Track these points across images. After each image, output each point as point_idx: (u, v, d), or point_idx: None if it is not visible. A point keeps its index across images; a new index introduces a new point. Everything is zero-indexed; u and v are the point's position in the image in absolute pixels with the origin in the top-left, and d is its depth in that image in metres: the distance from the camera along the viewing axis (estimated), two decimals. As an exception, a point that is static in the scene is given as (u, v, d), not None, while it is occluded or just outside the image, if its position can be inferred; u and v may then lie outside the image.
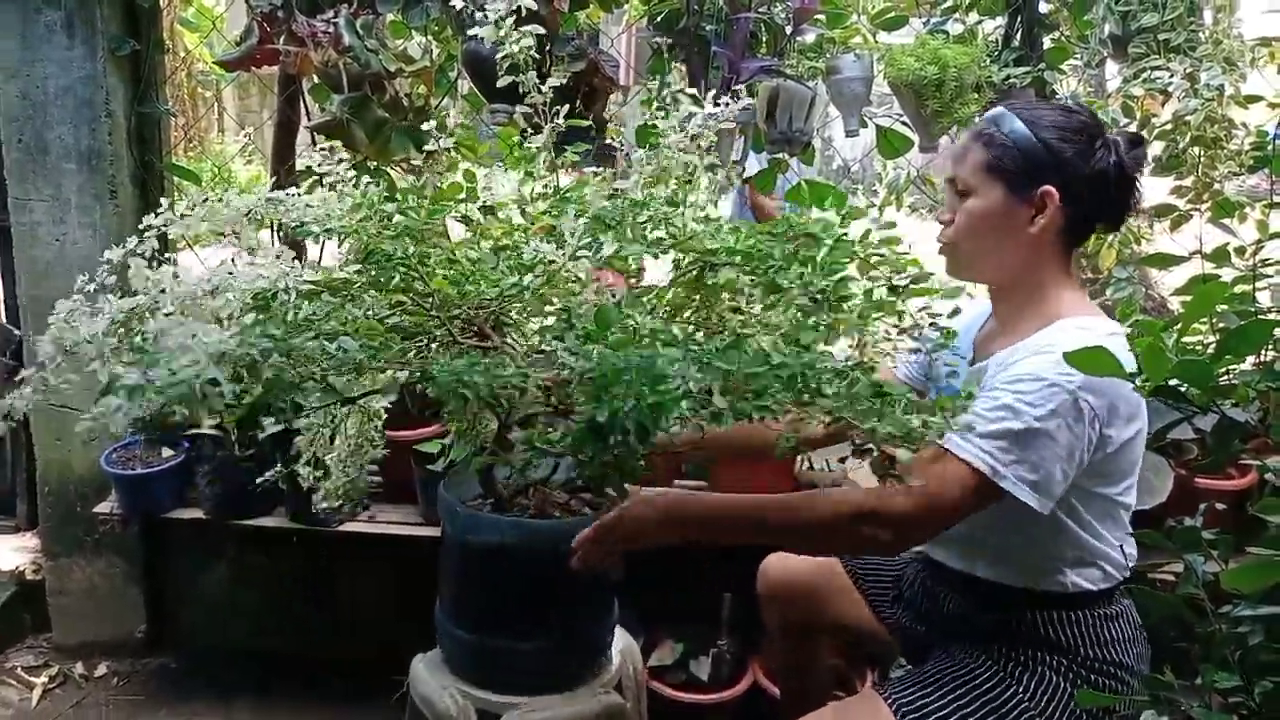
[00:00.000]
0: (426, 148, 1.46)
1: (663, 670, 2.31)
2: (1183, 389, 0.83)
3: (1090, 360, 0.84)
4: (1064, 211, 1.36)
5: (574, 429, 1.07)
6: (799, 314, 1.22)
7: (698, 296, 1.40)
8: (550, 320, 1.33)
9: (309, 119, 2.46)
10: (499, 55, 1.45)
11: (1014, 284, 1.44)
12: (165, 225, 1.13)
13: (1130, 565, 1.43)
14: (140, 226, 1.16)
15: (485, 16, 1.41)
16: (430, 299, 1.24)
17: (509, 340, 1.38)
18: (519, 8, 1.41)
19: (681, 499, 1.51)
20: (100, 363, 0.96)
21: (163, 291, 0.96)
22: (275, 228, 2.08)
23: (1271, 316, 1.97)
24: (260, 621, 2.63)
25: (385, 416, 2.29)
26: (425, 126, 1.49)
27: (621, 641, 1.75)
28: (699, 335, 1.33)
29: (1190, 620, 0.95)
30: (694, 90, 1.54)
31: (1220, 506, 1.99)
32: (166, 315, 0.96)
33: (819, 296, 1.21)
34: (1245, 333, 0.80)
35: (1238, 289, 2.17)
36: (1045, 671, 1.41)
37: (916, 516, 1.28)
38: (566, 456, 1.29)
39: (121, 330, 0.98)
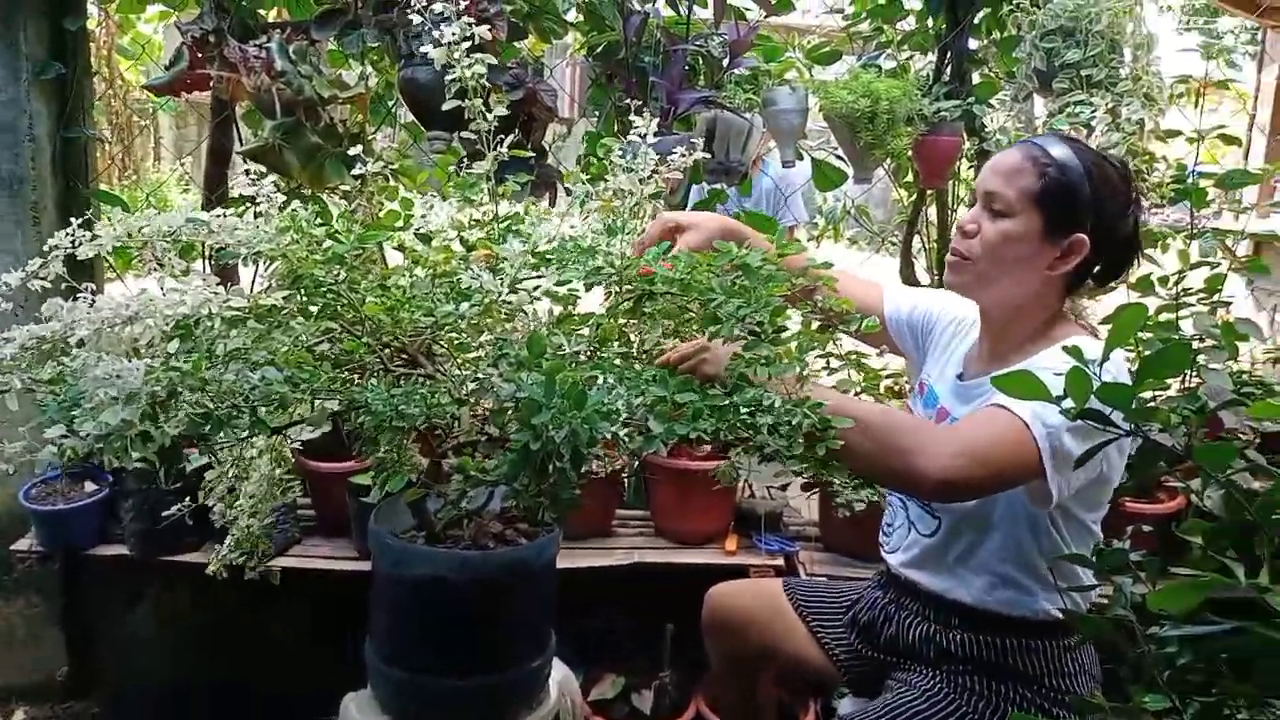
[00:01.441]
0: (355, 172, 1.43)
1: (604, 704, 2.28)
2: (1108, 413, 0.84)
3: (1018, 383, 0.85)
4: (1084, 261, 1.37)
5: (508, 456, 1.06)
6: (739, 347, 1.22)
7: (634, 323, 1.40)
8: (485, 348, 1.31)
9: (242, 145, 2.42)
10: (448, 78, 1.44)
11: (1013, 314, 1.43)
12: (74, 244, 1.09)
13: (1091, 597, 1.44)
14: (45, 247, 1.12)
15: (437, 41, 1.40)
16: (361, 326, 1.22)
17: (441, 368, 1.36)
18: (472, 34, 1.40)
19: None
20: (10, 393, 0.92)
21: (74, 321, 0.92)
22: (207, 256, 2.04)
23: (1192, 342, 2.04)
24: (187, 661, 2.53)
25: (316, 448, 2.26)
26: (353, 151, 1.46)
27: (559, 673, 1.71)
28: (635, 363, 1.32)
29: (1119, 643, 0.96)
30: (639, 119, 1.54)
31: (1147, 529, 2.03)
32: (80, 345, 0.92)
33: (757, 330, 1.21)
34: (1165, 356, 0.81)
35: (1162, 317, 2.24)
36: (1007, 707, 1.42)
37: (966, 449, 1.21)
38: (501, 485, 1.27)
39: (31, 358, 0.94)
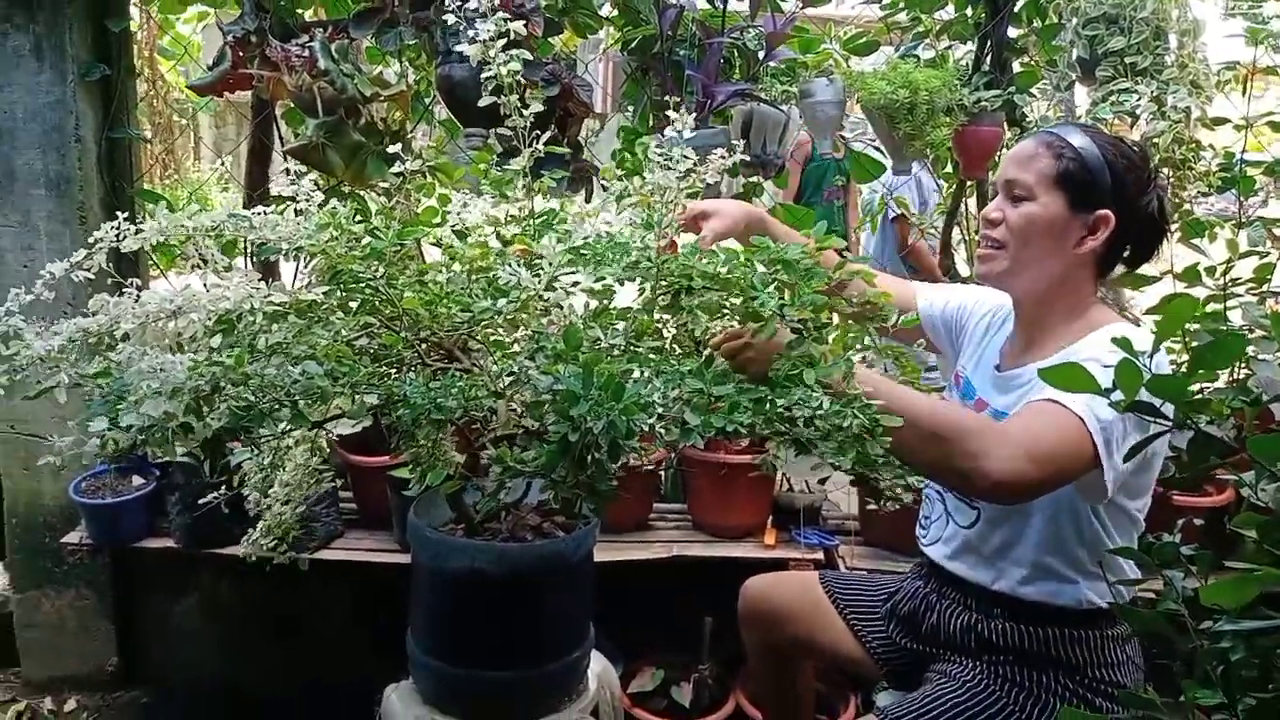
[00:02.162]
0: (394, 170, 1.44)
1: (644, 697, 2.29)
2: (1158, 405, 0.82)
3: (1066, 376, 0.84)
4: (1110, 239, 1.37)
5: (546, 448, 1.06)
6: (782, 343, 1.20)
7: (671, 317, 1.40)
8: (521, 343, 1.31)
9: (283, 144, 2.45)
10: (483, 76, 1.44)
11: (1046, 299, 1.43)
12: (119, 238, 1.11)
13: (1136, 586, 1.43)
14: (90, 240, 1.14)
15: (474, 37, 1.40)
16: (399, 320, 1.23)
17: (478, 363, 1.37)
18: (508, 30, 1.40)
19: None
20: (59, 387, 0.94)
21: (119, 315, 0.94)
22: (249, 253, 2.06)
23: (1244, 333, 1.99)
24: (233, 653, 2.58)
25: (357, 442, 2.29)
26: (392, 149, 1.47)
27: (597, 665, 1.72)
28: (671, 357, 1.32)
29: (1172, 637, 0.94)
30: (675, 115, 1.54)
31: (1198, 522, 1.99)
32: (125, 339, 0.94)
33: (800, 328, 1.21)
34: (1219, 347, 0.80)
35: (1210, 308, 2.19)
36: (1048, 698, 1.41)
37: (1030, 452, 1.18)
38: (538, 478, 1.28)
39: (78, 351, 0.96)
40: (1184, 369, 0.86)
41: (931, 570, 1.62)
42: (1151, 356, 0.84)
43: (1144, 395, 0.83)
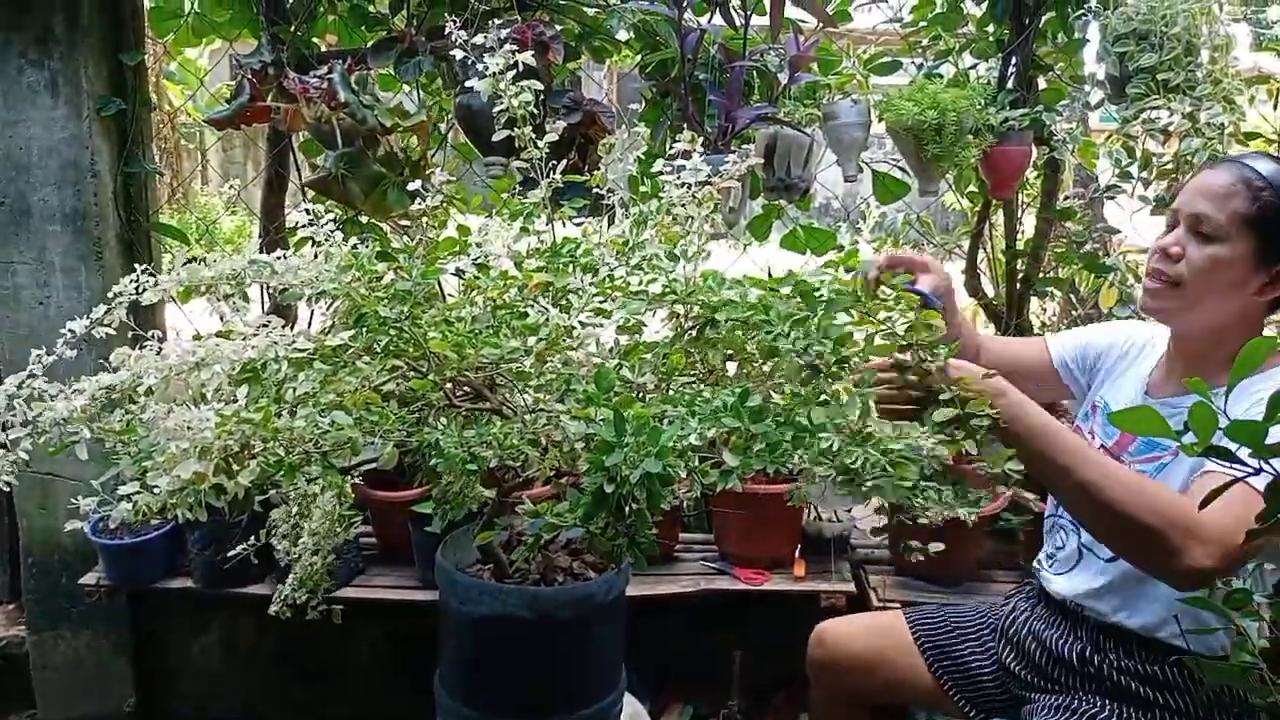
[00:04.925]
0: (415, 206, 1.40)
1: (672, 735, 2.24)
2: (1234, 449, 0.78)
3: (1135, 420, 0.79)
4: None
5: (582, 499, 1.02)
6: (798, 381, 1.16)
7: (695, 350, 1.36)
8: (548, 376, 1.27)
9: (299, 175, 2.42)
10: (496, 110, 1.41)
11: (1215, 337, 1.37)
12: (139, 291, 1.08)
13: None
14: (109, 294, 1.11)
15: (483, 69, 1.37)
16: (426, 362, 1.19)
17: (507, 400, 1.33)
18: (516, 61, 1.37)
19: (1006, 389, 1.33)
20: (80, 443, 0.91)
21: (140, 371, 0.90)
22: (265, 287, 2.03)
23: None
24: (253, 694, 2.53)
25: (377, 476, 2.24)
26: (412, 186, 1.44)
27: (630, 709, 1.67)
28: (703, 391, 1.28)
29: (1249, 691, 0.89)
30: (693, 135, 1.50)
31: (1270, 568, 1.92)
32: (148, 393, 0.91)
33: (817, 364, 1.16)
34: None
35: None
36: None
37: (1227, 548, 1.13)
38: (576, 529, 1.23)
39: (99, 407, 0.93)
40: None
41: (1050, 601, 1.58)
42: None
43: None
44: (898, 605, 2.12)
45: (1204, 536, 1.13)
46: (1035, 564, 1.64)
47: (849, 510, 2.48)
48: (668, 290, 1.27)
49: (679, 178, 1.40)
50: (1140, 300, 1.43)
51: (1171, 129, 2.00)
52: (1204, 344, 1.39)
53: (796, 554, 2.33)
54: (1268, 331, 1.43)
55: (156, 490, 0.75)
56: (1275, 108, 2.40)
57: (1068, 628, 1.52)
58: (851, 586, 2.23)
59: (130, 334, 1.24)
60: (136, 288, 1.10)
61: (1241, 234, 1.30)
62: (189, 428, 0.75)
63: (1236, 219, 1.30)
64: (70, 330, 1.08)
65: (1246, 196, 1.30)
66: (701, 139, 1.67)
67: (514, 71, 1.39)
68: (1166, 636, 1.38)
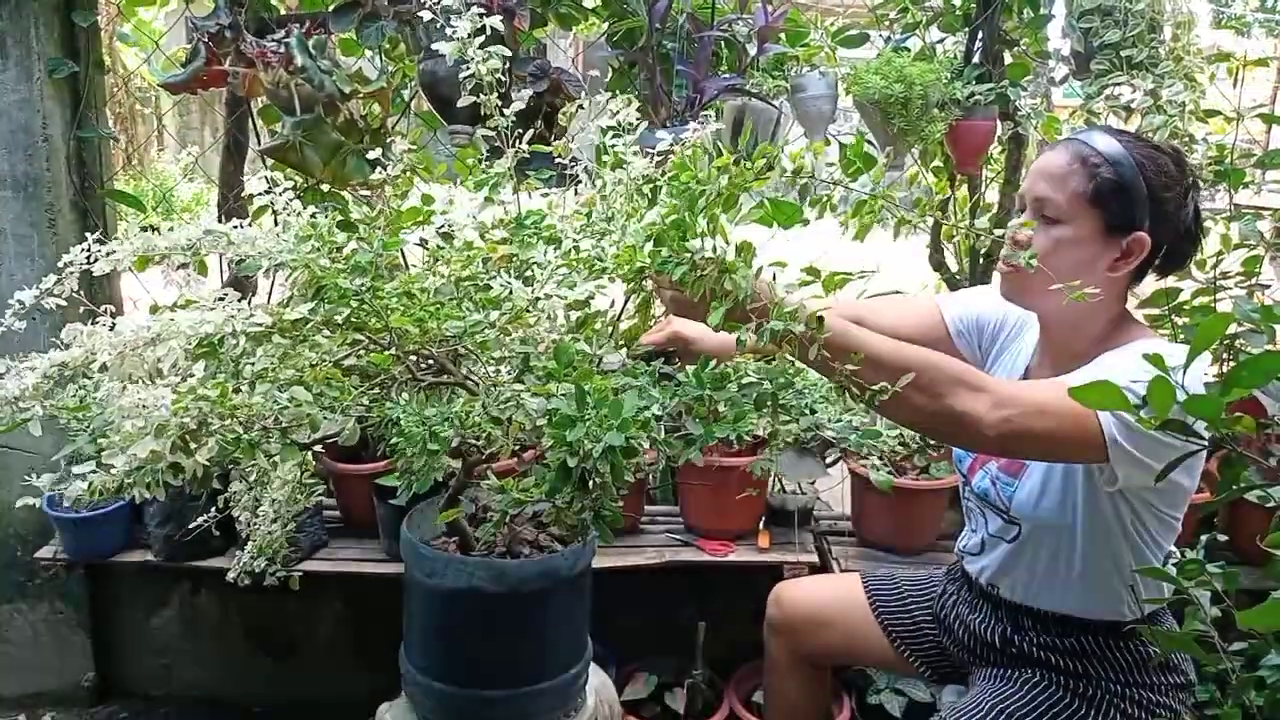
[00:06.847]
0: (376, 175, 1.38)
1: (636, 704, 2.25)
2: (1190, 422, 0.79)
3: (1097, 394, 0.80)
4: (1146, 258, 1.31)
5: (547, 475, 1.02)
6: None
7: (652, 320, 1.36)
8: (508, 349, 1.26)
9: (258, 142, 2.37)
10: (462, 76, 1.39)
11: (1075, 322, 1.36)
12: (90, 260, 1.05)
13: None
14: (60, 265, 1.08)
15: (451, 33, 1.34)
16: (387, 334, 1.17)
17: (471, 373, 1.32)
18: (484, 26, 1.35)
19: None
20: (33, 420, 0.89)
21: (94, 348, 0.88)
22: (223, 258, 2.00)
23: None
24: (214, 668, 2.52)
25: (340, 448, 2.22)
26: (372, 155, 1.41)
27: (596, 679, 1.69)
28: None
29: (1200, 658, 0.91)
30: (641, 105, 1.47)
31: (1223, 538, 1.95)
32: (103, 369, 0.88)
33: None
34: (1256, 364, 0.76)
35: (1198, 301, 2.17)
36: (1088, 709, 1.41)
37: (1012, 408, 1.13)
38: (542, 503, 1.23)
39: (53, 385, 0.91)
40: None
41: (968, 581, 1.61)
42: (1184, 374, 0.81)
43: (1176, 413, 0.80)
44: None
45: (994, 392, 1.14)
46: (958, 547, 1.66)
47: (812, 483, 2.50)
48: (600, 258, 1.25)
49: (640, 148, 1.39)
50: (1000, 287, 1.41)
51: (1134, 105, 2.01)
52: (1067, 330, 1.38)
53: (761, 526, 2.35)
54: (1130, 304, 1.42)
55: (113, 469, 0.73)
56: (1234, 85, 2.43)
57: (988, 610, 1.55)
58: (815, 557, 2.26)
59: (81, 309, 1.21)
60: (88, 257, 1.07)
61: (1084, 213, 1.29)
62: (144, 406, 0.74)
63: (1076, 198, 1.29)
64: (19, 301, 1.05)
65: (1084, 174, 1.29)
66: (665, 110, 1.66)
67: (482, 37, 1.36)
68: (1075, 612, 1.42)
